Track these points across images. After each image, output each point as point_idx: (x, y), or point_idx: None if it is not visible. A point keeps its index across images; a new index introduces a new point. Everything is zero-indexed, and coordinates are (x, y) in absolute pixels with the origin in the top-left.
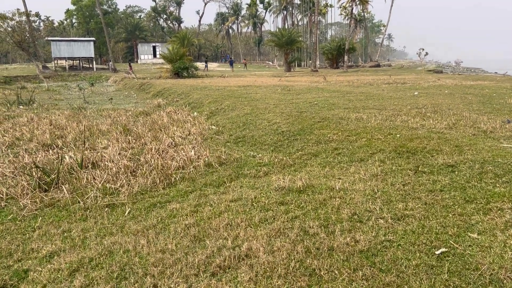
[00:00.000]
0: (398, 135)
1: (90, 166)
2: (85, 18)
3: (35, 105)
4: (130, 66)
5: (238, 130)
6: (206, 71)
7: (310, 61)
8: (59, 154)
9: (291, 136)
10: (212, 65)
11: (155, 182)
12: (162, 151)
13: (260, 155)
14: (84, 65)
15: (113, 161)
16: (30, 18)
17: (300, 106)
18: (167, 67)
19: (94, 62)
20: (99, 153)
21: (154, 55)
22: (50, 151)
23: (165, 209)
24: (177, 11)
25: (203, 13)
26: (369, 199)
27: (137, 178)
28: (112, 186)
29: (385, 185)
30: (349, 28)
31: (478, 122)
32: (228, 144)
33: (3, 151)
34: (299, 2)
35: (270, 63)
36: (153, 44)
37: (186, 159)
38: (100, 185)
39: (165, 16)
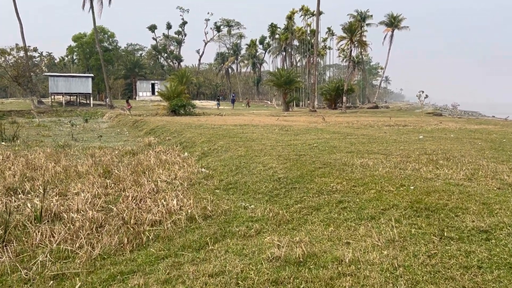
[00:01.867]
0: (412, 187)
1: (51, 218)
2: (85, 54)
3: (18, 141)
4: (128, 102)
5: (230, 174)
6: (218, 109)
7: (309, 101)
8: (7, 204)
9: (288, 183)
10: (210, 103)
11: (122, 242)
12: (140, 199)
13: (252, 206)
14: (82, 100)
15: (80, 211)
16: (28, 53)
17: (298, 149)
18: (164, 104)
19: (91, 98)
20: (68, 201)
21: (153, 92)
22: (13, 197)
23: (125, 285)
24: (178, 50)
25: (203, 52)
26: (389, 279)
27: (101, 236)
28: (69, 247)
29: (406, 256)
30: (348, 70)
31: (499, 173)
32: (218, 191)
33: None
34: (298, 44)
35: (269, 102)
36: (152, 82)
37: (165, 211)
38: (55, 245)
39: (165, 54)
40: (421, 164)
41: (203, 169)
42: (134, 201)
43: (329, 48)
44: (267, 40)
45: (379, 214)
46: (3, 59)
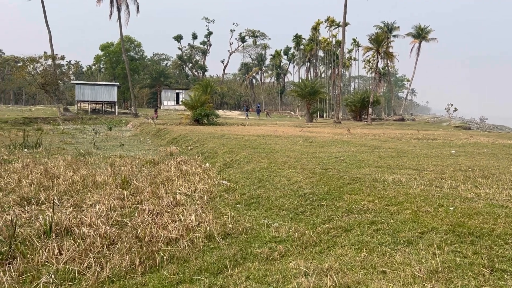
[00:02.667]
0: (451, 208)
1: (62, 233)
2: (112, 63)
3: (40, 148)
4: (156, 111)
5: (252, 188)
6: (247, 119)
7: (333, 113)
8: (13, 217)
9: (315, 200)
10: (234, 113)
11: (134, 262)
12: (157, 213)
13: (276, 224)
14: (107, 109)
15: (93, 226)
16: (56, 61)
17: (324, 162)
18: (187, 114)
19: (116, 106)
20: (81, 213)
21: (177, 102)
22: (27, 207)
23: None
24: (203, 60)
25: (227, 62)
26: None
27: (112, 255)
28: (76, 268)
29: None
30: (373, 81)
31: None
32: (239, 206)
33: None
34: (322, 55)
35: (292, 113)
36: (177, 91)
37: (182, 227)
38: (61, 264)
39: (190, 64)
40: (458, 181)
41: (224, 182)
42: (151, 215)
43: (354, 59)
44: (292, 50)
45: (417, 238)
46: (31, 67)
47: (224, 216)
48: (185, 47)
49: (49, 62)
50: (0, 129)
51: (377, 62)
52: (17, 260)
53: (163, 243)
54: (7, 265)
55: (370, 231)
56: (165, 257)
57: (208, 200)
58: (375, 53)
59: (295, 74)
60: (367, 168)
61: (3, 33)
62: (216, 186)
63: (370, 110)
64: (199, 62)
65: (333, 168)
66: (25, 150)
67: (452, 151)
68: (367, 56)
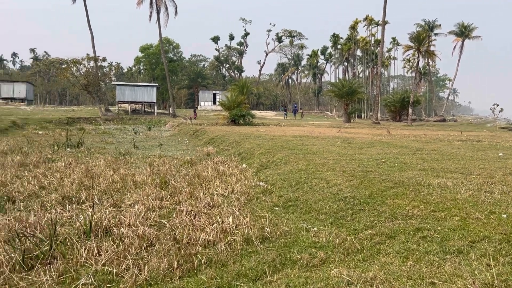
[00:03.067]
0: (504, 215)
1: (101, 233)
2: (151, 65)
3: (82, 148)
4: (195, 112)
5: (290, 190)
6: (285, 119)
7: (371, 113)
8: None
9: (356, 204)
10: (269, 114)
11: (171, 265)
12: (195, 215)
13: (315, 228)
14: (146, 109)
15: (131, 226)
16: (98, 63)
17: (364, 164)
18: (224, 114)
19: (155, 107)
20: (121, 213)
21: (214, 102)
22: (68, 206)
23: None
24: (239, 60)
25: (264, 63)
26: None
27: (150, 257)
28: (114, 270)
29: None
30: (414, 80)
31: None
32: (276, 208)
33: (18, 203)
34: (360, 54)
35: (329, 113)
36: (214, 92)
37: (220, 229)
38: (100, 266)
39: (227, 65)
40: (509, 187)
41: (261, 183)
42: (188, 216)
43: (394, 58)
44: (329, 50)
45: (467, 247)
46: (75, 68)
47: (262, 219)
48: (222, 48)
49: (91, 63)
50: (45, 128)
51: (418, 61)
52: (57, 260)
53: (200, 246)
54: (48, 265)
55: (416, 238)
56: (202, 261)
57: (245, 202)
58: (416, 52)
59: (332, 74)
60: (410, 171)
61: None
62: (253, 187)
63: (410, 111)
64: (236, 63)
65: (374, 171)
66: (68, 149)
67: (500, 154)
68: (407, 55)
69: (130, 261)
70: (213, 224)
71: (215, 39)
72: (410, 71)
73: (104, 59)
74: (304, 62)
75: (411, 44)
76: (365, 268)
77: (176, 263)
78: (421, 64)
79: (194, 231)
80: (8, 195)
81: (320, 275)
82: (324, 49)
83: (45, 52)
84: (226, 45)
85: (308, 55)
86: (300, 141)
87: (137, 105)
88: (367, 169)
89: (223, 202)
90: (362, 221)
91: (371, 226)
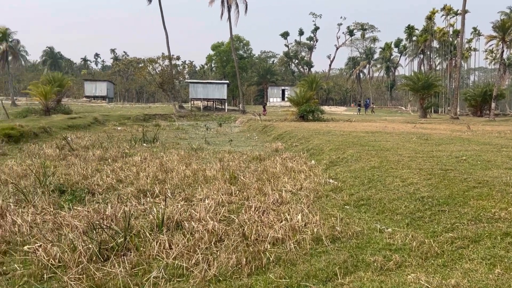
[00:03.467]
0: None
1: (173, 226)
2: (222, 62)
3: (157, 143)
4: (265, 108)
5: (362, 188)
6: (358, 114)
7: (449, 108)
8: (130, 209)
9: (434, 205)
10: (339, 109)
11: (240, 262)
12: (263, 211)
13: (390, 229)
14: (217, 106)
15: (202, 221)
16: (172, 61)
17: (443, 162)
18: (292, 110)
19: (226, 104)
20: (192, 207)
21: (283, 98)
22: (142, 200)
23: None
24: (309, 55)
25: (334, 57)
26: None
27: (219, 253)
28: (184, 264)
29: None
30: (498, 73)
31: None
32: (347, 207)
33: (97, 195)
34: (437, 46)
35: (403, 108)
36: (282, 88)
37: (288, 227)
38: (171, 259)
39: (296, 60)
40: None
41: (331, 180)
42: (257, 212)
43: (474, 49)
44: (403, 42)
45: None
46: (151, 67)
47: (332, 218)
48: (292, 43)
49: (166, 62)
50: (123, 124)
51: (502, 52)
52: (131, 253)
53: (269, 243)
54: (122, 257)
55: (504, 244)
56: (271, 259)
57: (314, 200)
58: (500, 42)
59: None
60: (494, 169)
61: (128, 37)
62: (322, 184)
63: (493, 105)
64: (305, 58)
65: (454, 169)
66: (144, 144)
67: None
68: (490, 46)
69: (200, 255)
70: (281, 222)
71: (285, 35)
72: (493, 62)
73: (178, 58)
74: (376, 55)
75: (495, 34)
76: (446, 274)
77: (244, 259)
78: (505, 55)
79: (262, 227)
80: (88, 188)
81: (396, 280)
82: (398, 41)
83: (124, 52)
84: (295, 40)
85: (380, 48)
86: (372, 137)
87: (208, 102)
88: (446, 167)
89: (292, 199)
90: (442, 223)
91: (452, 229)
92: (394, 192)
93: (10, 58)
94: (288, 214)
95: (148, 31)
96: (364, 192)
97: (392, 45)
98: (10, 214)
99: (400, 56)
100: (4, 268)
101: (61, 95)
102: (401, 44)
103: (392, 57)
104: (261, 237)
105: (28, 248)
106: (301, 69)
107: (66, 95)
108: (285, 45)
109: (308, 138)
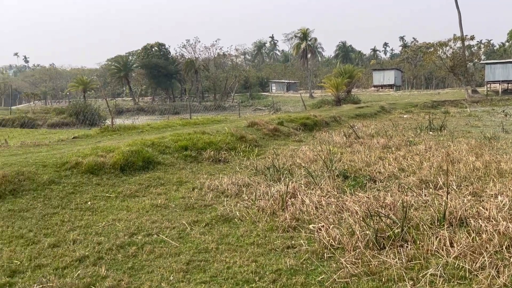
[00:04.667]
0: None
1: (455, 223)
2: None
3: (445, 131)
4: None
5: None
6: None
7: None
8: (409, 200)
9: None
10: None
11: None
12: None
13: None
14: None
15: (492, 220)
16: (465, 42)
17: None
18: None
19: None
20: (480, 204)
21: None
22: (424, 191)
23: None
24: None
25: None
26: None
27: (511, 259)
28: (467, 266)
29: None
30: None
31: None
32: None
33: (378, 183)
34: None
35: None
36: None
37: None
38: (451, 258)
39: None
40: None
41: None
42: None
43: None
44: None
45: None
46: (441, 51)
47: None
48: None
49: (458, 44)
50: (410, 112)
51: None
52: (408, 245)
53: None
54: (398, 248)
55: None
56: None
57: None
58: None
59: None
60: None
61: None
62: None
63: None
64: None
65: None
66: (430, 132)
67: None
68: None
69: (487, 259)
70: None
71: None
72: None
73: (472, 38)
74: None
75: None
76: None
77: None
78: None
79: None
80: (370, 175)
81: None
82: None
83: (413, 38)
84: None
85: None
86: None
87: (509, 84)
88: None
89: None
90: None
91: None
92: None
93: (309, 55)
94: None
95: (438, 13)
96: None
97: None
98: (300, 194)
99: None
100: (293, 242)
101: (351, 86)
102: None
103: None
104: None
105: (312, 227)
106: None
107: (355, 86)
108: None
109: None
